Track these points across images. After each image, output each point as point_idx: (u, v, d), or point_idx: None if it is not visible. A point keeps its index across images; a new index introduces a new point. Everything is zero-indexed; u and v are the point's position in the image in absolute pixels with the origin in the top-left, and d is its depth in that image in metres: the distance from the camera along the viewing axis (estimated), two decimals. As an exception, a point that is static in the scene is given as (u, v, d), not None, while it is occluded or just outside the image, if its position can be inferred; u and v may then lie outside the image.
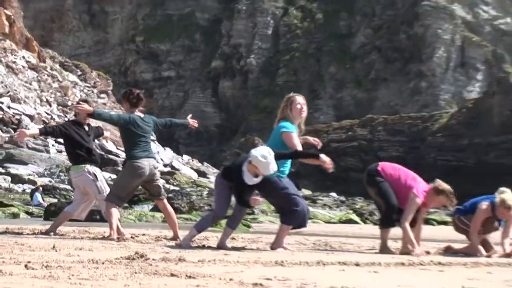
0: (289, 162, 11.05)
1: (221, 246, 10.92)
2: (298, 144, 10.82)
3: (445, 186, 11.59)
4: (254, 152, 10.28)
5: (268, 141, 11.12)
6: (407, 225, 11.26)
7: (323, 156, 10.55)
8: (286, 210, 10.99)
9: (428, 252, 11.61)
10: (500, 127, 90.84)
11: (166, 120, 13.33)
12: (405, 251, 11.27)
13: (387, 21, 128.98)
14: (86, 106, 12.73)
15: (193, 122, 13.19)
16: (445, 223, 28.27)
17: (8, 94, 61.97)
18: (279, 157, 10.41)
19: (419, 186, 11.51)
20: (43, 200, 28.97)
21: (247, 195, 10.56)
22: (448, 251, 12.12)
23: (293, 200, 10.73)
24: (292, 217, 10.84)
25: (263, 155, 10.11)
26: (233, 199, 11.03)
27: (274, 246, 11.00)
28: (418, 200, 11.33)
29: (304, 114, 11.10)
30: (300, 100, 11.06)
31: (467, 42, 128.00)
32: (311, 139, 11.58)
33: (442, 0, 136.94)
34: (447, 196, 11.51)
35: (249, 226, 20.34)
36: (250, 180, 10.40)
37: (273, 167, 10.15)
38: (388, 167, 11.88)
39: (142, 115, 12.40)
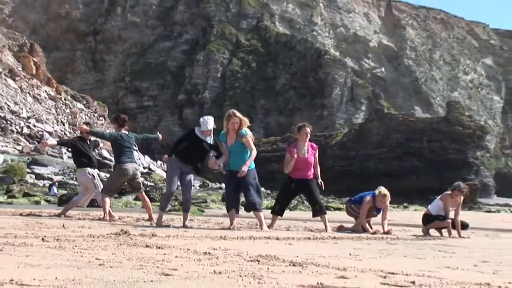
0: (232, 161, 10.94)
1: (183, 225, 10.86)
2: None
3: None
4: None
5: None
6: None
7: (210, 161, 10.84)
8: None
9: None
10: (377, 143, 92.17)
11: (143, 135, 13.59)
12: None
13: (300, 69, 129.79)
14: (84, 126, 13.11)
15: (161, 136, 13.42)
16: (339, 209, 28.50)
17: (34, 117, 62.23)
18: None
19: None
20: (58, 191, 28.57)
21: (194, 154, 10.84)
22: (341, 229, 12.20)
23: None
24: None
25: (201, 118, 11.12)
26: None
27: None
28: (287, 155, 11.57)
29: (237, 128, 10.91)
30: (235, 120, 10.83)
31: (355, 84, 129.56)
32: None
33: (338, 55, 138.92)
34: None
35: (203, 211, 20.22)
36: (200, 134, 10.89)
37: (206, 125, 10.80)
38: None
39: (127, 132, 12.38)
